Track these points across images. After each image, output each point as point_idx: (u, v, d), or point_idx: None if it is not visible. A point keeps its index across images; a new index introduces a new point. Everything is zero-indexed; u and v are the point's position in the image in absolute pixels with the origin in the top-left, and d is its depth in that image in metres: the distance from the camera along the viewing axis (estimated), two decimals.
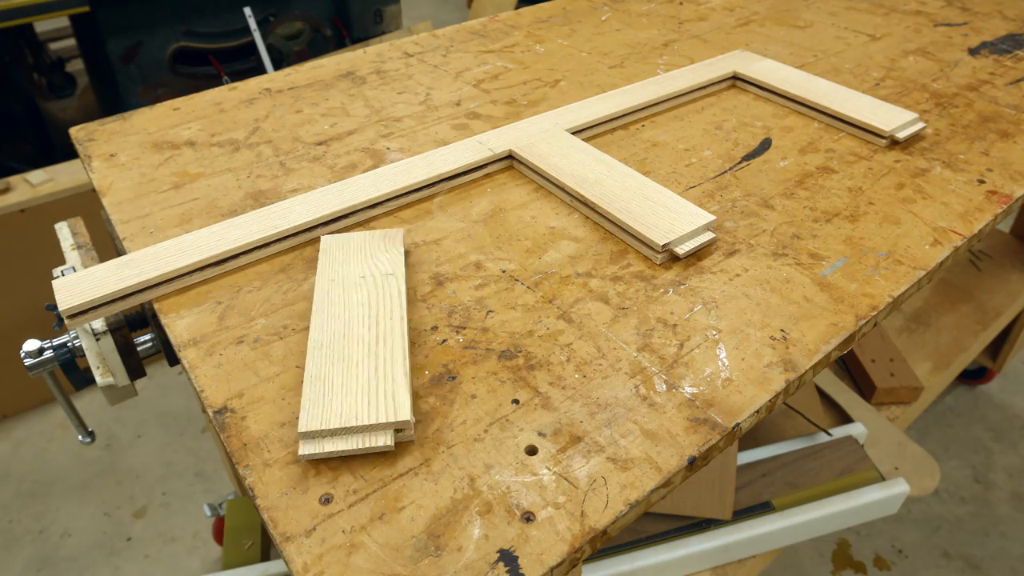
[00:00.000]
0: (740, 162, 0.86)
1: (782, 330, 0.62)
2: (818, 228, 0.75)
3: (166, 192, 0.81)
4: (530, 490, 0.49)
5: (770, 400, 0.56)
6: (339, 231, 0.74)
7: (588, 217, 0.76)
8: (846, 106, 0.93)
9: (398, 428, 0.51)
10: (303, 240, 0.72)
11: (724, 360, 0.59)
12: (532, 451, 0.51)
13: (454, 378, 0.57)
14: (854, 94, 0.95)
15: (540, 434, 0.53)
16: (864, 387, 1.44)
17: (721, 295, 0.66)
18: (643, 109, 0.94)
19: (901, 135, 0.88)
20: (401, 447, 0.52)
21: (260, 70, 2.37)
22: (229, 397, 0.56)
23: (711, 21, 1.25)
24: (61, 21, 2.46)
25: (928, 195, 0.80)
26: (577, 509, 0.48)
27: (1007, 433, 1.86)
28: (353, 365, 0.55)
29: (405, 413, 0.51)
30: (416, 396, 0.56)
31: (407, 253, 0.71)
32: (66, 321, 0.63)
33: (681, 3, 1.33)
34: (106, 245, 1.50)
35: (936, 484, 1.24)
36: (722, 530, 1.07)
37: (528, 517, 0.47)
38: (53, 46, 2.67)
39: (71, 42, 2.60)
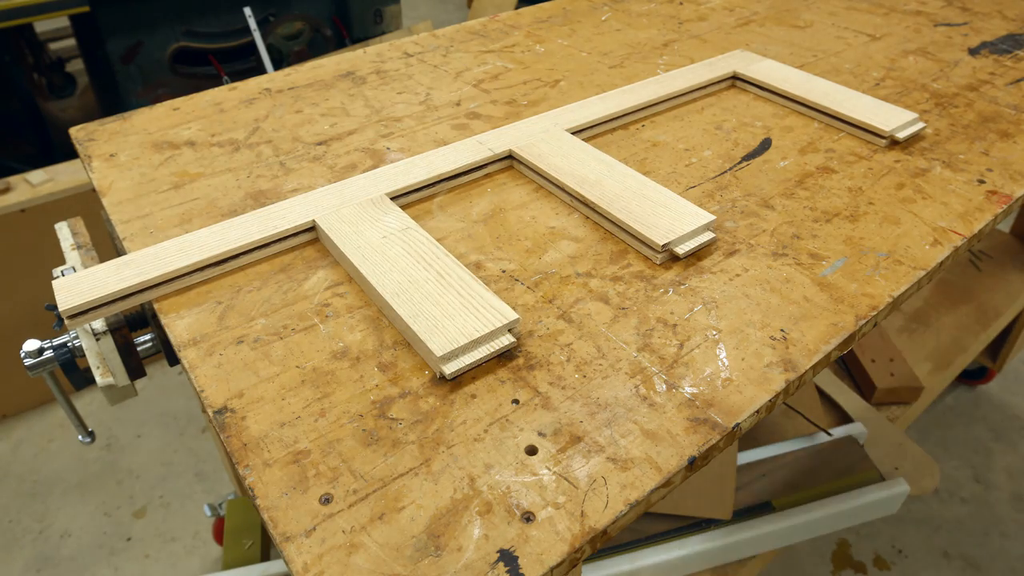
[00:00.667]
0: (740, 162, 0.86)
1: (782, 330, 0.62)
2: (818, 228, 0.75)
3: (166, 192, 0.81)
4: (530, 490, 0.49)
5: (770, 400, 0.56)
6: None
7: (588, 217, 0.76)
8: (846, 106, 0.93)
9: (510, 328, 0.59)
10: (303, 240, 0.72)
11: (724, 360, 0.59)
12: (532, 451, 0.51)
13: (454, 378, 0.57)
14: (854, 94, 0.95)
15: (540, 434, 0.53)
16: (864, 387, 1.44)
17: (721, 295, 0.66)
18: (643, 109, 0.94)
19: (901, 135, 0.88)
20: (401, 447, 0.52)
21: (260, 70, 2.37)
22: (229, 397, 0.56)
23: (711, 21, 1.25)
24: (61, 21, 2.46)
25: (928, 195, 0.80)
26: (577, 509, 0.48)
27: (1007, 433, 1.86)
28: (439, 298, 0.61)
29: (511, 313, 0.59)
30: (416, 396, 0.56)
31: None
32: (66, 321, 0.63)
33: (681, 3, 1.33)
34: (106, 245, 1.50)
35: (936, 484, 1.24)
36: (722, 530, 1.07)
37: (528, 517, 0.47)
38: (53, 46, 2.67)
39: (71, 42, 2.60)
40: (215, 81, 2.33)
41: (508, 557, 0.45)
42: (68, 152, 2.22)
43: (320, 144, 0.90)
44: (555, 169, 0.79)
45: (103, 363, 0.73)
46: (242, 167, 0.85)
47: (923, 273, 0.69)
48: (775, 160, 0.86)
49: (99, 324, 0.70)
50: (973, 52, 1.15)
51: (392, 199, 0.76)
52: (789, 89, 0.96)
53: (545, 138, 0.84)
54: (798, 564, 1.58)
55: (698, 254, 0.71)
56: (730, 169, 0.85)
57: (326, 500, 0.48)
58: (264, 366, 0.58)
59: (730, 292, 0.66)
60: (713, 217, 0.71)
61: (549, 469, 0.50)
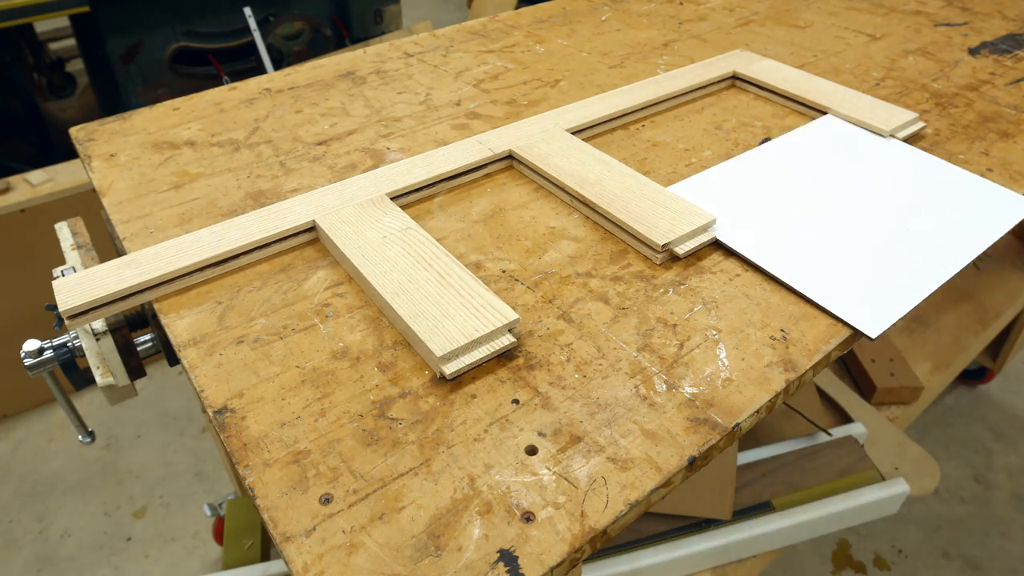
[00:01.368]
0: None
1: (782, 330, 0.62)
2: None
3: (166, 192, 0.81)
4: (530, 490, 0.49)
5: (770, 400, 0.56)
6: None
7: (588, 217, 0.76)
8: (846, 106, 0.93)
9: (510, 328, 0.59)
10: (303, 240, 0.72)
11: (724, 360, 0.59)
12: (532, 451, 0.51)
13: (455, 378, 0.57)
14: (854, 94, 0.95)
15: (540, 434, 0.53)
16: (864, 387, 1.44)
17: (721, 295, 0.66)
18: (643, 109, 0.94)
19: (901, 135, 0.88)
20: (401, 447, 0.52)
21: (260, 70, 2.37)
22: (229, 397, 0.56)
23: (711, 21, 1.25)
24: (61, 21, 2.46)
25: None
26: (577, 509, 0.48)
27: (1007, 433, 1.86)
28: (438, 298, 0.61)
29: (511, 313, 0.59)
30: (416, 396, 0.56)
31: None
32: (66, 321, 0.63)
33: (681, 3, 1.33)
34: (106, 245, 1.50)
35: (936, 484, 1.24)
36: (722, 530, 1.07)
37: (528, 517, 0.47)
38: (53, 46, 2.67)
39: (71, 42, 2.61)
40: (215, 81, 2.33)
41: (508, 557, 0.45)
42: (68, 152, 2.22)
43: (320, 144, 0.90)
44: (555, 169, 0.79)
45: (103, 363, 0.73)
46: (242, 167, 0.85)
47: None
48: None
49: (99, 324, 0.70)
50: (973, 52, 1.15)
51: (392, 199, 0.76)
52: (789, 89, 0.96)
53: (545, 138, 0.84)
54: (798, 564, 1.58)
55: (698, 254, 0.71)
56: None
57: (326, 500, 0.48)
58: (264, 366, 0.58)
59: (730, 292, 0.66)
60: (713, 217, 0.71)
61: (549, 469, 0.50)
